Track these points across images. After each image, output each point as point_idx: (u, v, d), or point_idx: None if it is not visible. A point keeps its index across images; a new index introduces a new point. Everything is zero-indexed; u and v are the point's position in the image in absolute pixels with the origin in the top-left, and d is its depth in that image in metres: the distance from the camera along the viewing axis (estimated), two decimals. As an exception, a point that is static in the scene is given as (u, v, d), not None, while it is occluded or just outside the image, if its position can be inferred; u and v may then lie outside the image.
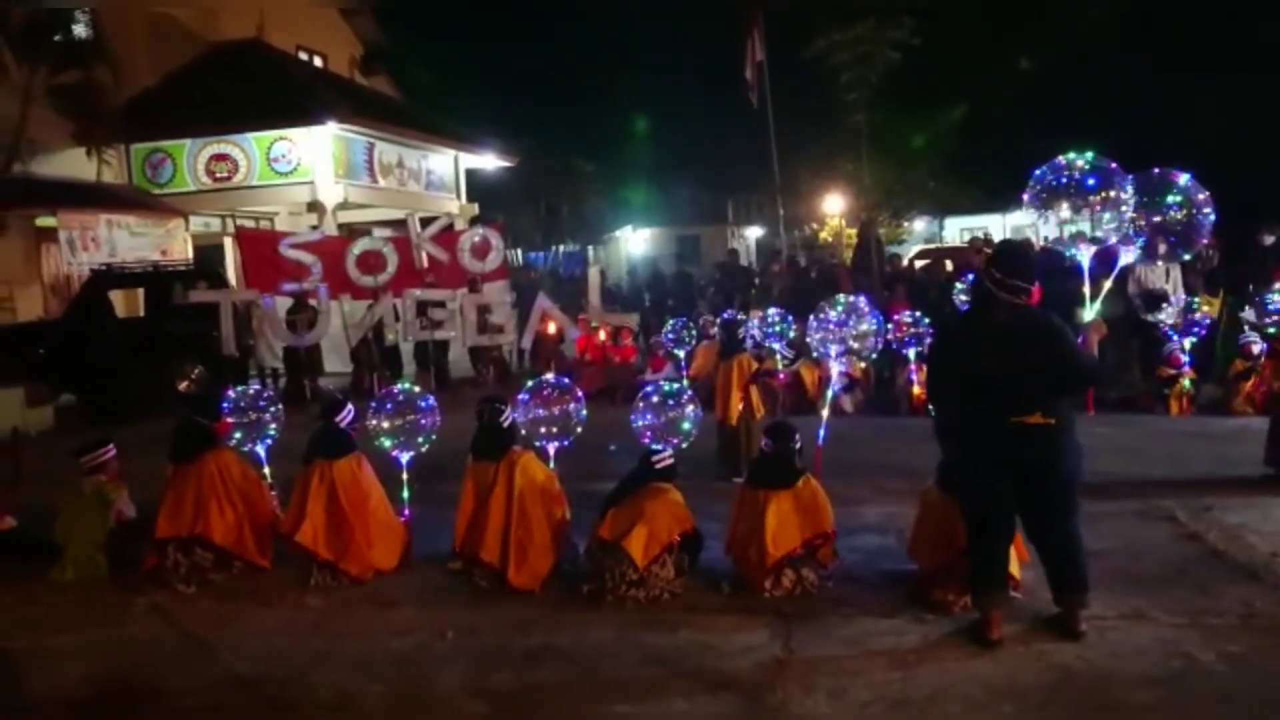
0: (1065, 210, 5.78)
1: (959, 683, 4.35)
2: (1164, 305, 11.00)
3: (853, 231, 24.87)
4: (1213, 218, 6.04)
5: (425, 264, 14.75)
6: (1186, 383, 10.54)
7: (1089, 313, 5.65)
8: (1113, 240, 5.85)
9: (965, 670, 4.47)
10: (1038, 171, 5.82)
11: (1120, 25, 21.53)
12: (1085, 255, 5.83)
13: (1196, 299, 10.90)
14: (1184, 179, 6.02)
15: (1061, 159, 5.76)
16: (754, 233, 45.05)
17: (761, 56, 21.46)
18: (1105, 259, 6.11)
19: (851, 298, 7.70)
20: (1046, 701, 4.16)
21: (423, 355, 14.95)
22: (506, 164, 23.85)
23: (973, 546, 4.95)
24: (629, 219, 42.98)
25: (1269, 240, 11.88)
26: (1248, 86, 19.03)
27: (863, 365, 10.26)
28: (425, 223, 15.80)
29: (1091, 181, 5.69)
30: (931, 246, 28.85)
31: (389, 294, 14.15)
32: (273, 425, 7.04)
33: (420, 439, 6.51)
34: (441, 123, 22.05)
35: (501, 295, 14.96)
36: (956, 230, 36.17)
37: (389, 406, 6.51)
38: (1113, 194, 5.69)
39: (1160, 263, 10.10)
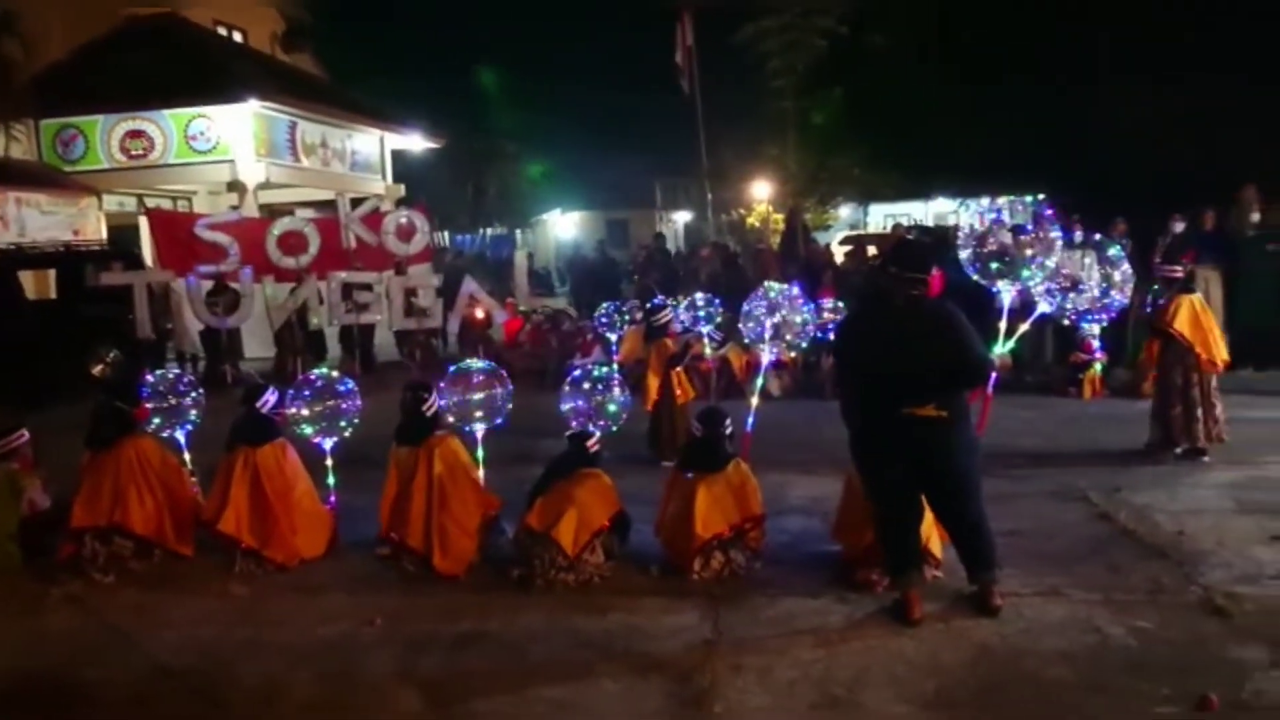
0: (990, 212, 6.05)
1: (882, 661, 4.46)
2: (1079, 291, 11.31)
3: (780, 217, 25.14)
4: (1122, 303, 6.54)
5: (353, 245, 14.52)
6: (1099, 367, 10.89)
7: (1000, 347, 5.87)
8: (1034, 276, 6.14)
9: (888, 649, 4.59)
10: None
11: (1049, 21, 22.05)
12: (1008, 294, 6.07)
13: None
14: (1114, 249, 6.61)
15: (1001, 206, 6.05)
16: (682, 217, 45.25)
17: (691, 41, 21.50)
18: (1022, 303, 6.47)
19: (784, 286, 7.79)
20: (966, 677, 4.29)
21: (348, 339, 14.73)
22: (433, 145, 23.54)
23: (882, 532, 5.06)
24: (557, 202, 42.81)
25: (1179, 228, 12.32)
26: (1164, 81, 19.66)
27: (793, 355, 10.40)
28: (355, 203, 15.51)
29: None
30: (855, 233, 29.28)
31: (313, 276, 13.90)
32: (193, 411, 6.88)
33: (343, 424, 6.43)
34: (367, 102, 21.66)
35: (427, 278, 14.80)
36: (881, 216, 36.75)
37: (307, 393, 6.41)
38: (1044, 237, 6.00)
39: (1077, 252, 10.41)
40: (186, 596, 5.64)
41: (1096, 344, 10.90)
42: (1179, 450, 7.84)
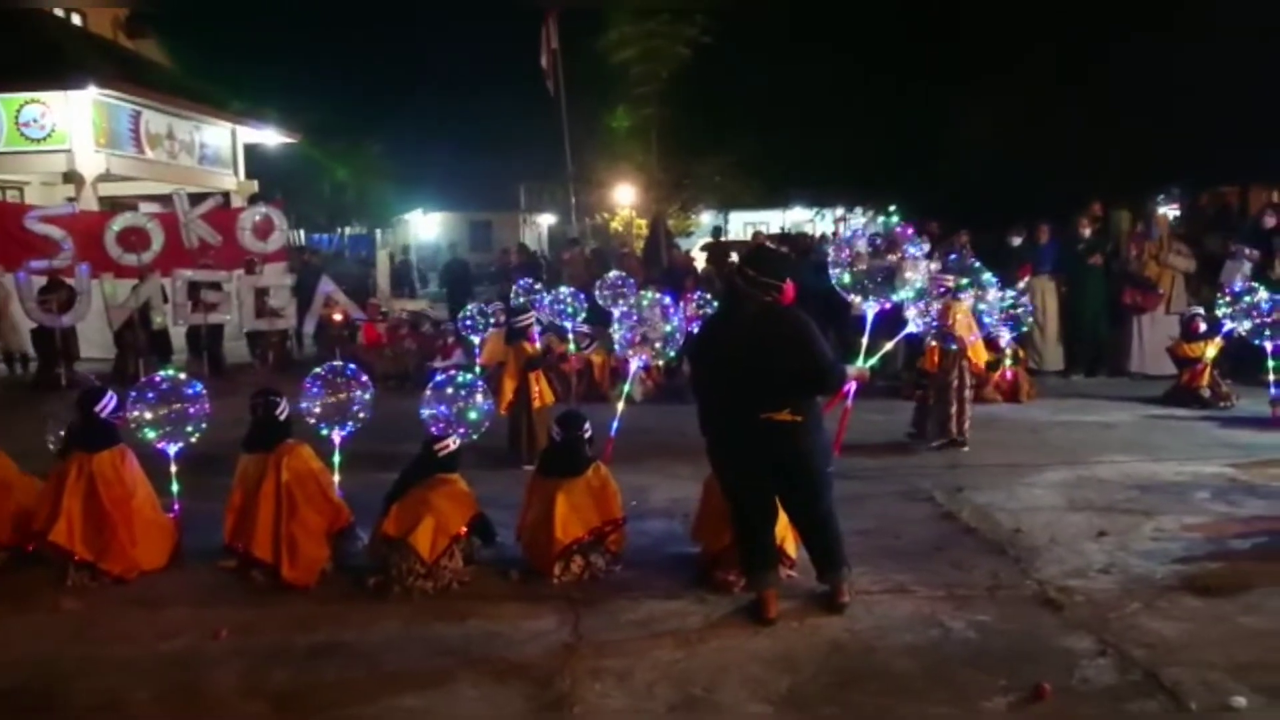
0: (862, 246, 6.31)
1: (739, 660, 4.54)
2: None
3: (643, 222, 25.37)
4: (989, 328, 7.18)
5: (196, 244, 13.90)
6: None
7: (861, 361, 6.09)
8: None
9: (745, 648, 4.67)
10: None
11: (898, 38, 22.90)
12: (872, 310, 6.30)
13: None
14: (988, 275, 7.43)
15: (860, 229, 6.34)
16: (546, 220, 45.13)
17: (556, 44, 21.47)
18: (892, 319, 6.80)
19: (655, 295, 7.91)
20: (818, 673, 4.41)
21: (195, 340, 14.12)
22: (289, 140, 22.79)
23: (738, 533, 5.15)
24: (419, 202, 42.10)
25: (1016, 242, 12.98)
26: (1001, 98, 20.64)
27: (660, 364, 10.58)
28: (195, 200, 14.80)
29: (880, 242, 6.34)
30: (716, 240, 29.77)
31: (157, 273, 13.27)
32: None
33: (189, 429, 6.15)
34: (218, 93, 20.78)
35: (281, 278, 14.32)
36: (740, 224, 37.54)
37: (150, 396, 6.11)
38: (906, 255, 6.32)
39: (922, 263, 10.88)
40: (13, 613, 5.30)
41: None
42: (936, 444, 8.58)
